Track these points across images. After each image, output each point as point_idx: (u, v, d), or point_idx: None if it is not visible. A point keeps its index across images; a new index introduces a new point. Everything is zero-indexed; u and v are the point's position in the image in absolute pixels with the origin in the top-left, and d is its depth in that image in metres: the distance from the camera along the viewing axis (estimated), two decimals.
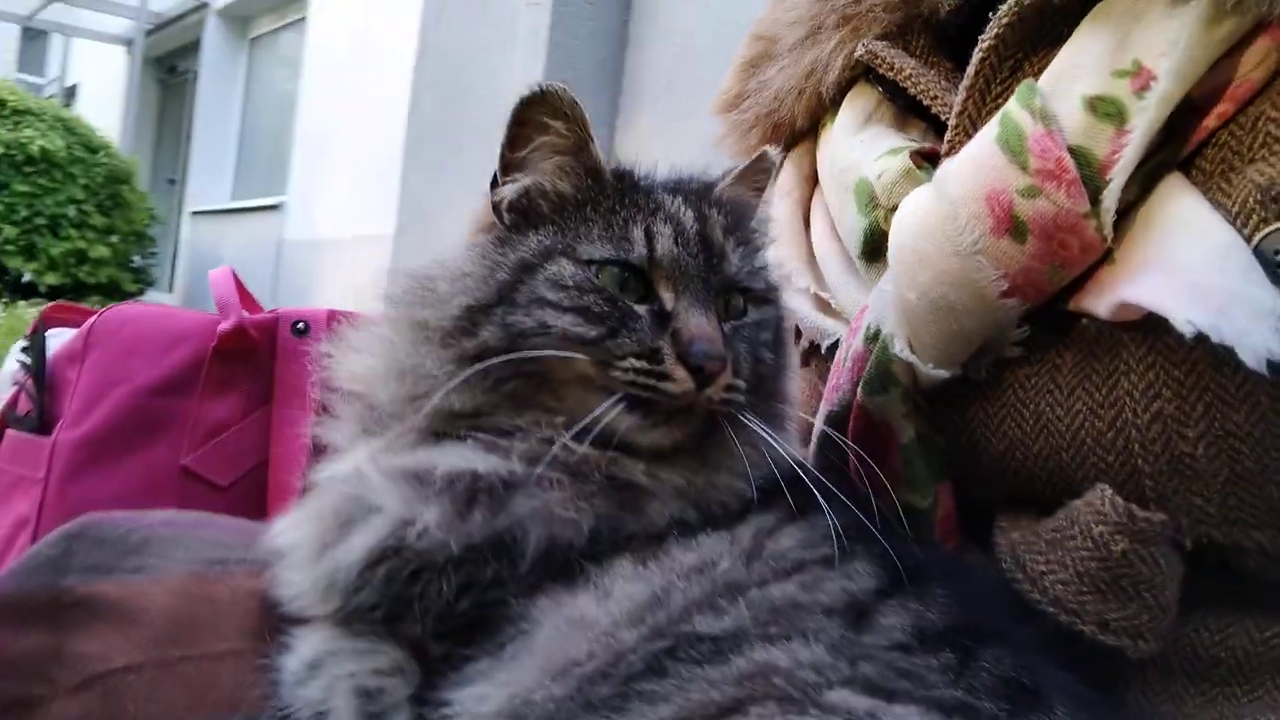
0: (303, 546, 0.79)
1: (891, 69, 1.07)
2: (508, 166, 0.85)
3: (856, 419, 0.94)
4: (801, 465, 0.80)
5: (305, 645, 0.78)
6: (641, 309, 0.81)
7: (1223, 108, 0.79)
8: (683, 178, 0.93)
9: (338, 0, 8.65)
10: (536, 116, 0.83)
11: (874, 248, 1.01)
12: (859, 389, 0.93)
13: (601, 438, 0.77)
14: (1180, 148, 0.81)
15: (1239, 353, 0.71)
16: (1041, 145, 0.81)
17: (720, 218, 0.88)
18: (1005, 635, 0.72)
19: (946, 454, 0.94)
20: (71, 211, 8.73)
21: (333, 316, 1.33)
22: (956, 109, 0.95)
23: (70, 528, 0.87)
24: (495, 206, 0.87)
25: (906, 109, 1.10)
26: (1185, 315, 0.73)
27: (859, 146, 1.07)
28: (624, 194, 0.86)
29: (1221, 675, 0.82)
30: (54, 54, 16.23)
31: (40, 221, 8.60)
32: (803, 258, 1.14)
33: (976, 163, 0.85)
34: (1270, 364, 0.70)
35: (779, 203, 1.19)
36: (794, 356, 0.98)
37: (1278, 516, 0.79)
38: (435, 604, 0.73)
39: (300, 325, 1.31)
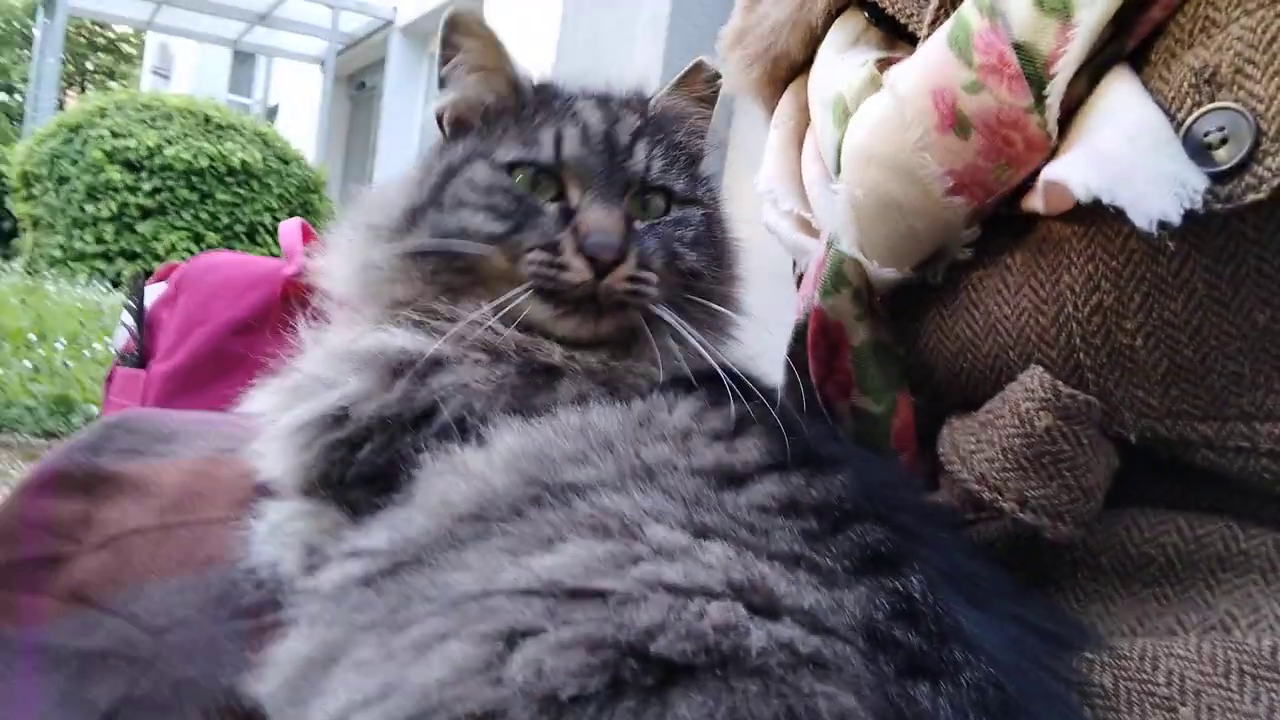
0: (267, 418, 0.89)
1: None
2: (441, 82, 0.97)
3: (814, 322, 0.95)
4: (725, 366, 0.83)
5: (272, 511, 0.88)
6: (552, 206, 0.89)
7: None
8: (610, 89, 1.00)
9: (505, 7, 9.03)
10: (453, 37, 0.95)
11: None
12: (816, 292, 0.94)
13: (525, 326, 0.84)
14: (1126, 41, 0.80)
15: (1130, 214, 0.70)
16: (986, 40, 0.81)
17: (636, 121, 0.95)
18: (897, 524, 0.72)
19: (907, 364, 0.94)
20: (268, 219, 9.47)
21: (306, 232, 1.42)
22: (929, 19, 0.95)
23: (114, 417, 1.00)
24: (438, 119, 0.99)
25: (893, 32, 1.10)
26: (1082, 179, 0.72)
27: (840, 65, 1.07)
28: (542, 103, 0.96)
29: (1152, 575, 0.81)
30: (259, 76, 17.69)
31: (240, 228, 9.37)
32: (792, 182, 1.15)
33: (926, 61, 0.86)
34: (1161, 224, 0.69)
35: (772, 132, 1.21)
36: (737, 266, 1.02)
37: (1221, 408, 0.77)
38: (361, 464, 0.82)
39: None
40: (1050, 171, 0.76)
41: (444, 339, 0.84)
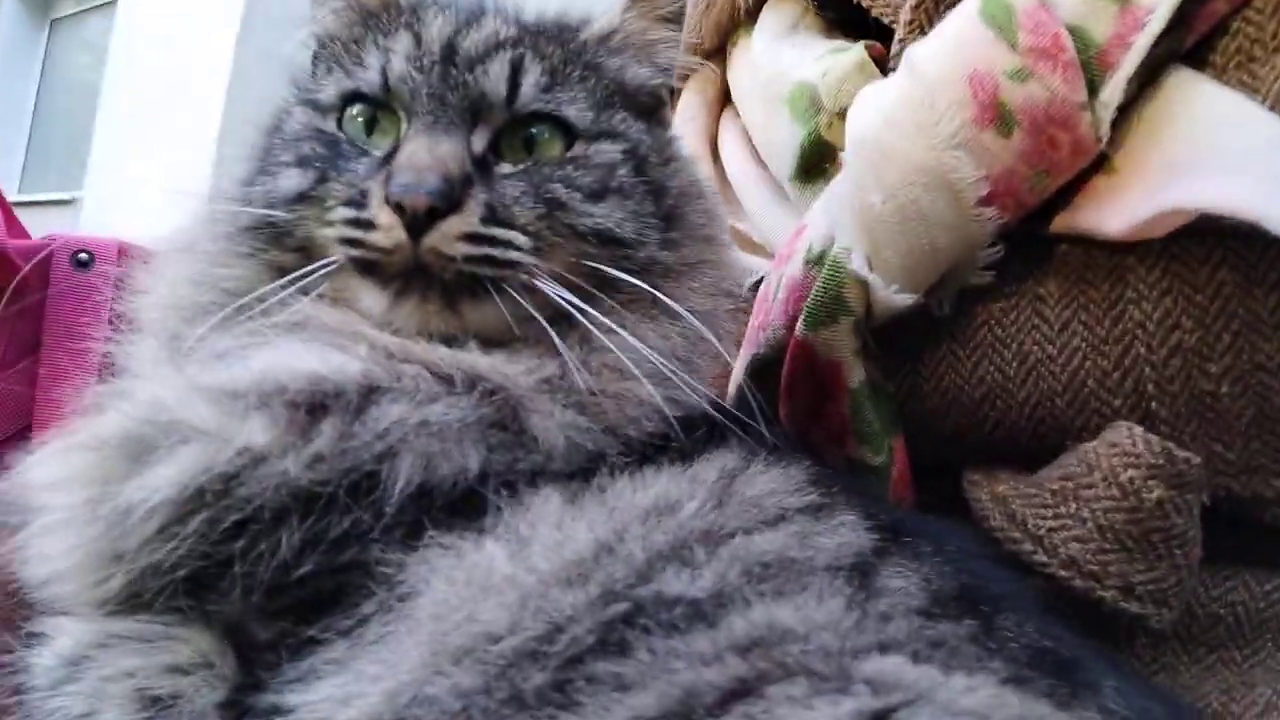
0: (70, 493, 0.56)
1: None
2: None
3: (795, 359, 0.77)
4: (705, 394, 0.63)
5: (64, 635, 0.56)
6: (378, 150, 0.66)
7: None
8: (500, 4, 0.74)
9: None
10: None
11: (813, 163, 0.86)
12: (799, 323, 0.76)
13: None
14: (1184, 36, 0.69)
15: None
16: (1034, 19, 0.68)
17: (500, 29, 0.68)
18: (1011, 599, 0.57)
19: (898, 403, 0.79)
20: None
21: (124, 250, 1.07)
22: (912, 2, 0.81)
23: None
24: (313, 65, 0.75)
25: (835, 21, 0.96)
26: (1244, 201, 0.60)
27: (789, 52, 0.92)
28: (390, 21, 0.70)
29: (1219, 637, 0.71)
30: None
31: None
32: (719, 187, 0.97)
33: (957, 39, 0.71)
34: None
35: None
36: (708, 230, 0.74)
37: None
38: (267, 565, 0.53)
39: (82, 256, 1.03)
40: (1190, 198, 0.63)
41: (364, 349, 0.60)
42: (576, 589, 0.50)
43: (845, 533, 0.56)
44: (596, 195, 0.65)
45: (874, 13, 0.88)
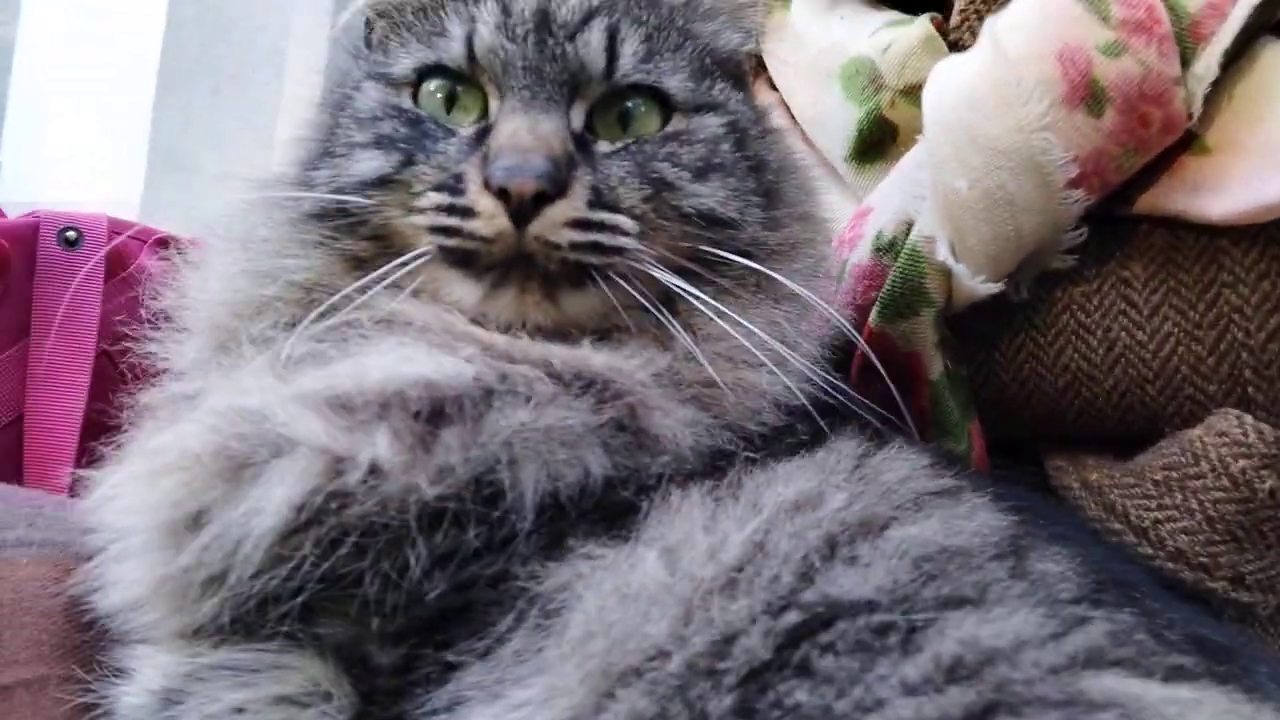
0: (157, 516, 0.51)
1: None
2: None
3: (868, 351, 0.74)
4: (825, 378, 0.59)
5: (150, 668, 0.51)
6: (467, 129, 0.60)
7: None
8: None
9: None
10: None
11: (872, 142, 0.82)
12: (874, 314, 0.73)
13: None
14: (1277, 7, 0.66)
15: None
16: None
17: None
18: (1144, 581, 0.56)
19: (972, 388, 0.77)
20: None
21: (116, 226, 0.99)
22: None
23: None
24: (366, 35, 0.69)
25: None
26: None
27: (839, 25, 0.88)
28: None
29: None
30: None
31: None
32: None
33: (1044, 11, 0.68)
34: None
35: None
36: (806, 206, 0.69)
37: None
38: (396, 585, 0.48)
39: (70, 234, 0.95)
40: None
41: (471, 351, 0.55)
42: (740, 595, 0.47)
43: (983, 515, 0.53)
44: (702, 173, 0.61)
45: None
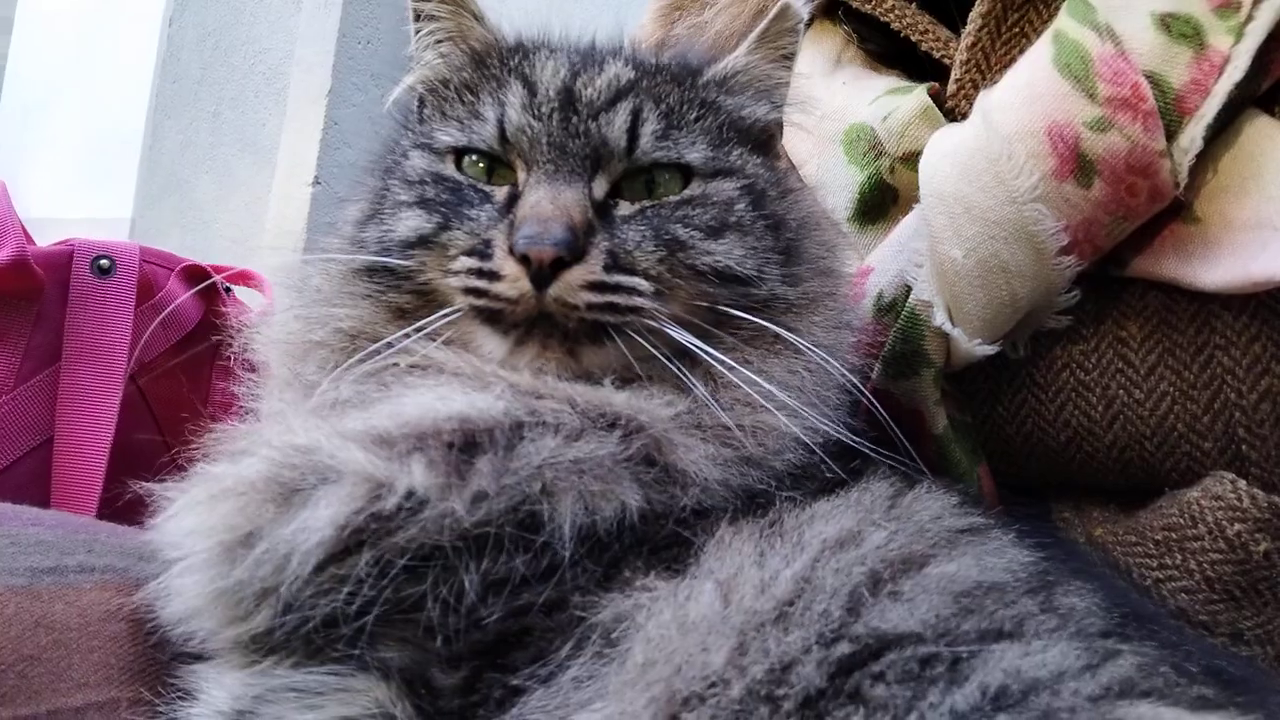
0: (213, 536, 0.55)
1: (869, 2, 0.94)
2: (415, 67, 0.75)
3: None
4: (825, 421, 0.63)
5: (220, 689, 0.55)
6: (500, 194, 0.66)
7: None
8: (614, 43, 0.75)
9: None
10: (421, 6, 0.73)
11: (873, 204, 0.86)
12: (877, 373, 0.77)
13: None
14: (1260, 81, 0.70)
15: None
16: (1113, 68, 0.69)
17: (619, 73, 0.68)
18: (1158, 614, 0.60)
19: (977, 434, 0.81)
20: None
21: (148, 255, 1.03)
22: (968, 40, 0.83)
23: None
24: (419, 107, 0.75)
25: (879, 54, 0.97)
26: None
27: (840, 91, 0.92)
28: (502, 64, 0.71)
29: None
30: None
31: None
32: None
33: (1032, 90, 0.72)
34: None
35: None
36: (827, 262, 0.73)
37: None
38: (454, 608, 0.52)
39: (104, 262, 1.00)
40: (1273, 268, 0.65)
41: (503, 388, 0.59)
42: (794, 628, 0.50)
43: (1012, 552, 0.57)
44: (715, 232, 0.65)
45: (924, 47, 0.89)
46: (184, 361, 1.06)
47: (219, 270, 1.11)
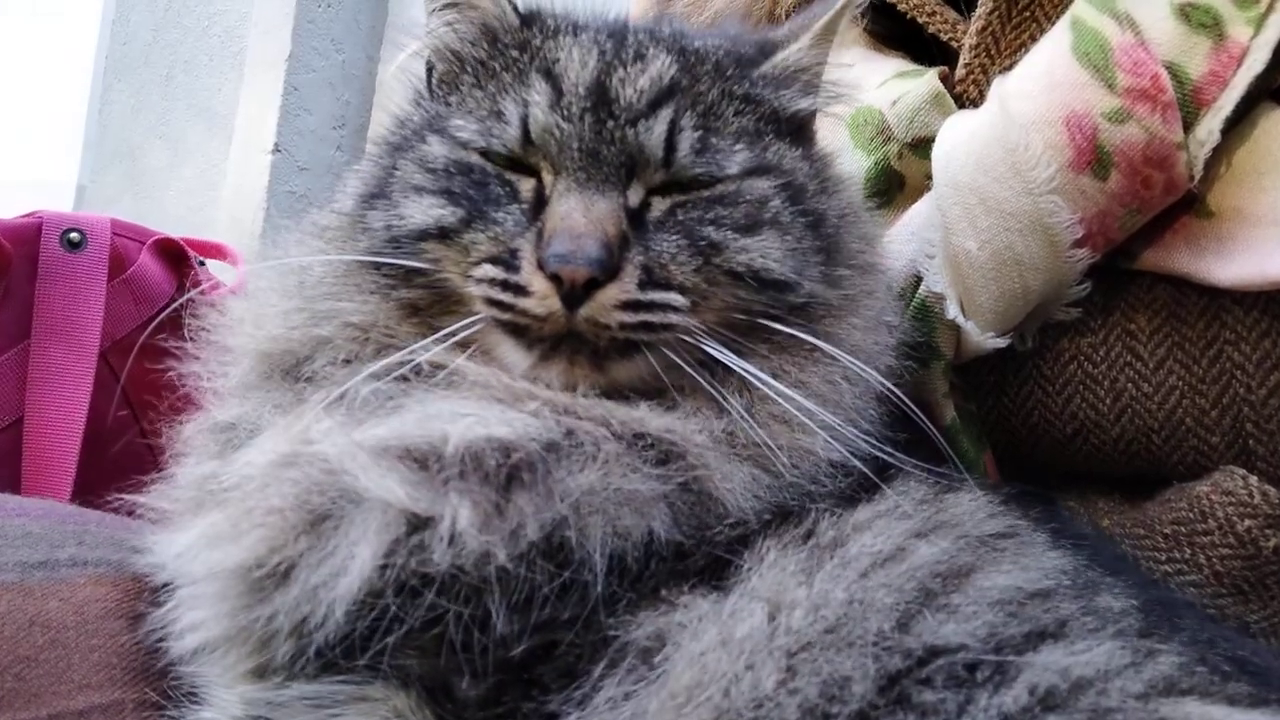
0: (241, 570, 0.52)
1: None
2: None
3: None
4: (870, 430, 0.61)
5: (231, 694, 0.52)
6: (527, 192, 0.61)
7: None
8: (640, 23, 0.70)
9: None
10: None
11: (879, 192, 0.84)
12: None
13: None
14: (1276, 73, 0.69)
15: None
16: (1133, 58, 0.68)
17: (662, 68, 0.62)
18: (1184, 606, 0.60)
19: (982, 423, 0.80)
20: None
21: (118, 228, 0.99)
22: (978, 23, 0.82)
23: None
24: (427, 74, 0.70)
25: (883, 35, 0.96)
26: None
27: (846, 74, 0.91)
28: (520, 47, 0.65)
29: None
30: None
31: None
32: None
33: (1050, 78, 0.71)
34: None
35: None
36: (865, 258, 0.69)
37: None
38: (480, 627, 0.50)
39: (74, 235, 0.95)
40: None
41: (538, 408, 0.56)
42: (846, 646, 0.49)
43: (1052, 555, 0.56)
44: (748, 229, 0.61)
45: (931, 29, 0.88)
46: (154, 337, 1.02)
47: (192, 244, 1.07)
